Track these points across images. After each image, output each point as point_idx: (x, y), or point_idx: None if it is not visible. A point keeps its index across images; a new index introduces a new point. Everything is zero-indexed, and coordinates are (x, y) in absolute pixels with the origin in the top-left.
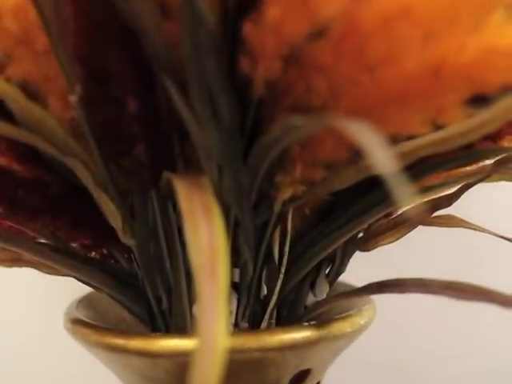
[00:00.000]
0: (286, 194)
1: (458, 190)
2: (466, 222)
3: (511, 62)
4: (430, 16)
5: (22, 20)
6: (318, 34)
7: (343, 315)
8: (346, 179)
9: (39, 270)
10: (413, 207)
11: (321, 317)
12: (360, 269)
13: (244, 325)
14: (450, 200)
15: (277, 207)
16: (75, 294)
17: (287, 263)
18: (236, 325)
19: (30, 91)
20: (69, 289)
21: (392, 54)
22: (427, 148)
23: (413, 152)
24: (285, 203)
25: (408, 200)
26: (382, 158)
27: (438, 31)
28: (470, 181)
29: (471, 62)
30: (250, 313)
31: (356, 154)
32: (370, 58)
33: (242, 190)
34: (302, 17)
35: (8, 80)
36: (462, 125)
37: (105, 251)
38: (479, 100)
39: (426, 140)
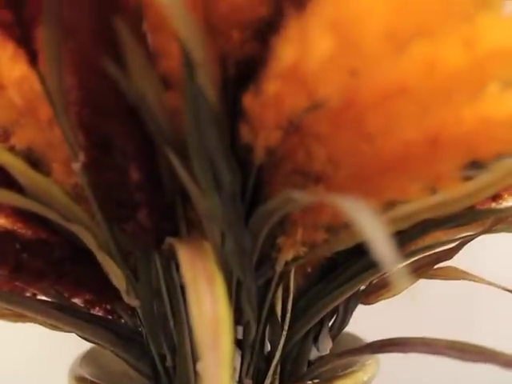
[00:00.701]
0: (287, 255)
1: (457, 244)
2: (467, 274)
3: (507, 132)
4: (426, 92)
5: (26, 91)
6: (317, 106)
7: (346, 372)
8: (347, 241)
9: (43, 325)
10: (399, 271)
11: (324, 373)
12: (363, 320)
13: (248, 382)
14: (450, 254)
15: (279, 267)
16: (79, 347)
17: (290, 320)
18: (240, 382)
19: (33, 157)
20: (72, 341)
21: (390, 126)
22: (428, 211)
23: (412, 215)
24: (287, 263)
25: (394, 266)
26: (372, 230)
27: (435, 105)
28: (470, 235)
29: (468, 132)
30: (254, 369)
31: None
32: (369, 130)
33: (244, 253)
34: (301, 92)
35: (12, 148)
36: (462, 188)
37: (108, 307)
38: (475, 164)
39: (427, 203)
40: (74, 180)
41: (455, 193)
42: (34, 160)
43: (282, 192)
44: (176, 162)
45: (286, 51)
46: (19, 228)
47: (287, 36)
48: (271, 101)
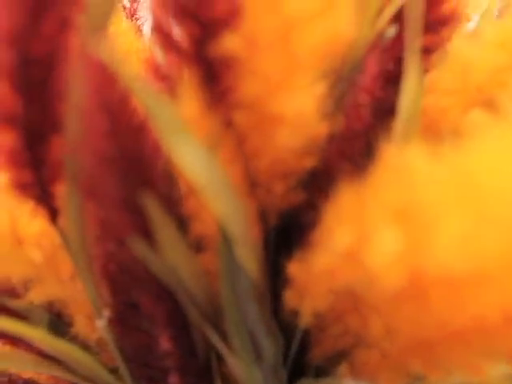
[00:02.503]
0: None
1: None
2: None
3: None
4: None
5: (46, 246)
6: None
7: None
8: None
9: None
10: None
11: None
12: None
13: None
14: None
15: None
16: None
17: None
18: None
19: (54, 308)
20: None
21: (461, 303)
22: None
23: None
24: None
25: None
26: None
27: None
28: None
29: None
30: None
31: None
32: (435, 306)
33: None
34: (357, 271)
35: (30, 303)
36: None
37: None
38: None
39: None
40: (98, 335)
41: None
42: (55, 311)
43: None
44: (214, 336)
45: (343, 235)
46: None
47: (341, 215)
48: (322, 274)
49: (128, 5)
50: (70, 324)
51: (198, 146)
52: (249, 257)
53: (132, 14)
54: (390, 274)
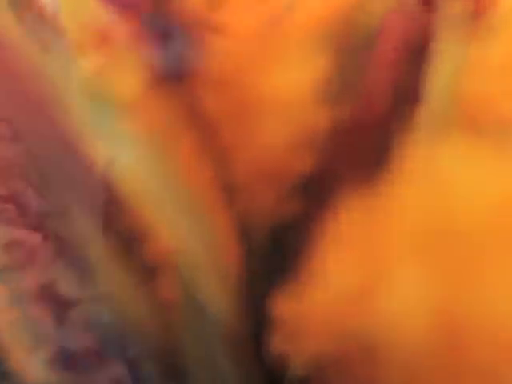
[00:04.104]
0: None
1: None
2: None
3: None
4: None
5: None
6: None
7: None
8: None
9: None
10: None
11: None
12: None
13: None
14: None
15: None
16: None
17: None
18: None
19: None
20: None
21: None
22: None
23: None
24: None
25: None
26: None
27: None
28: None
29: None
30: None
31: None
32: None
33: None
34: (363, 310)
35: None
36: None
37: None
38: None
39: None
40: None
41: None
42: None
43: None
44: None
45: (349, 268)
46: None
47: (347, 238)
48: (320, 315)
49: None
50: None
51: (136, 139)
52: (218, 290)
53: None
54: (413, 322)
